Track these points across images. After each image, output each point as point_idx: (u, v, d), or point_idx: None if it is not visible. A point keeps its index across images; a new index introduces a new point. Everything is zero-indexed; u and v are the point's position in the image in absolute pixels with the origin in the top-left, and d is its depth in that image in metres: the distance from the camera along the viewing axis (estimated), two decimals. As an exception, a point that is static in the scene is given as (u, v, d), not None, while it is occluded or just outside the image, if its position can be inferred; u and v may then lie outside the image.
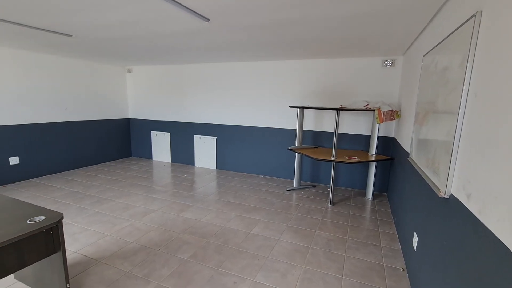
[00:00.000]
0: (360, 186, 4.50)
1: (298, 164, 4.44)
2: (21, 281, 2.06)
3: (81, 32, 3.10)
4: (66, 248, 2.53)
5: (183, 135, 5.89)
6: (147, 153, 6.41)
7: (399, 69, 4.01)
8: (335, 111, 3.67)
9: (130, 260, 2.37)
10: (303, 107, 4.12)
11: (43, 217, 1.66)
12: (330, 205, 3.77)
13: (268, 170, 5.17)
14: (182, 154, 5.97)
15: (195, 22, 2.56)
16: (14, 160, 4.38)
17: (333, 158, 3.65)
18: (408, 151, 2.69)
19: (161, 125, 6.10)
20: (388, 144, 4.22)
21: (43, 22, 2.74)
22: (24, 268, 1.86)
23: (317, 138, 4.72)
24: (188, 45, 3.67)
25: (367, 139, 4.31)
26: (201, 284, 2.08)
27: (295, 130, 4.54)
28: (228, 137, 5.41)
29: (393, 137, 4.14)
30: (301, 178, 4.69)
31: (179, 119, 5.87)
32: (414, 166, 2.27)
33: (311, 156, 3.77)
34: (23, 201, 1.91)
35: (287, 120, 4.85)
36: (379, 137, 4.00)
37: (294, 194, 4.20)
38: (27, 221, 1.61)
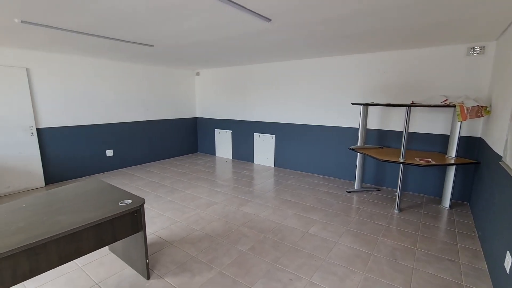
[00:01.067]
0: (433, 192, 3.98)
1: (360, 165, 4.18)
2: (113, 253, 2.50)
3: (160, 42, 3.54)
4: (146, 229, 2.95)
5: (243, 133, 6.16)
6: (211, 150, 6.93)
7: (490, 58, 3.39)
8: (405, 108, 3.32)
9: (196, 246, 2.63)
10: (367, 104, 3.85)
11: (130, 201, 1.98)
12: (396, 211, 3.45)
13: (326, 170, 5.01)
14: (243, 151, 6.25)
15: (258, 23, 2.66)
16: (109, 153, 5.29)
17: (401, 160, 3.32)
18: (501, 154, 2.27)
19: (224, 124, 6.50)
20: (472, 146, 3.62)
21: (130, 36, 3.23)
22: (115, 243, 2.25)
23: (382, 138, 4.35)
24: (250, 46, 3.82)
25: (444, 139, 3.79)
26: (259, 276, 2.17)
27: (357, 128, 4.28)
28: (287, 135, 5.44)
29: (479, 137, 3.54)
30: (363, 180, 4.41)
31: (240, 118, 6.16)
32: (510, 172, 1.91)
33: (376, 156, 3.50)
34: (116, 186, 2.31)
35: (348, 118, 4.60)
36: (460, 137, 3.47)
37: (355, 197, 3.98)
38: (119, 203, 1.94)
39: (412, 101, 3.81)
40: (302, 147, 5.26)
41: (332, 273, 2.23)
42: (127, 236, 1.98)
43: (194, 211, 3.45)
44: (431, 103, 3.43)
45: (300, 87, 5.10)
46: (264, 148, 5.83)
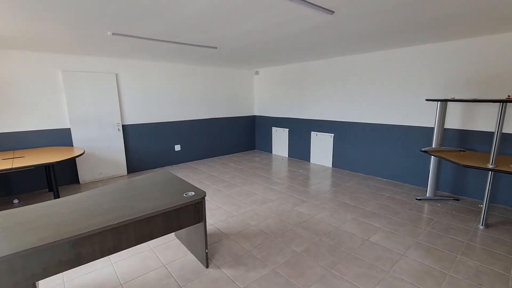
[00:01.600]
0: (537, 208, 3.23)
1: (434, 170, 3.66)
2: (178, 239, 2.75)
3: (224, 44, 3.73)
4: (206, 220, 3.16)
5: (300, 131, 6.06)
6: (268, 147, 7.02)
7: None
8: (498, 104, 2.75)
9: (251, 241, 2.70)
10: (446, 100, 3.34)
11: (193, 193, 2.15)
12: (482, 226, 2.92)
13: (391, 174, 4.55)
14: (299, 149, 6.16)
15: (320, 17, 2.56)
16: (177, 148, 5.86)
17: (490, 166, 2.79)
18: None
19: (281, 122, 6.50)
20: None
21: (196, 39, 3.48)
22: (180, 230, 2.47)
23: (463, 139, 3.73)
24: (310, 42, 3.72)
25: (556, 143, 3.03)
26: (313, 281, 2.11)
27: (431, 128, 3.76)
28: (347, 134, 5.13)
29: None
30: (437, 187, 3.86)
31: (297, 116, 6.07)
32: None
33: (455, 161, 3.02)
34: (181, 179, 2.53)
35: (419, 117, 4.08)
36: None
37: (427, 205, 3.52)
38: (183, 194, 2.12)
39: (508, 96, 3.15)
40: (364, 147, 4.89)
41: (396, 288, 2.02)
42: (189, 225, 2.16)
43: (250, 206, 3.55)
44: (537, 98, 2.78)
45: (361, 83, 4.73)
46: (321, 147, 5.63)
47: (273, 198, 3.82)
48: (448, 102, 3.71)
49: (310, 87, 5.67)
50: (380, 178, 4.67)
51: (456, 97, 3.65)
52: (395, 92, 4.32)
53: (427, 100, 3.49)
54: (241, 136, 7.08)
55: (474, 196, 3.69)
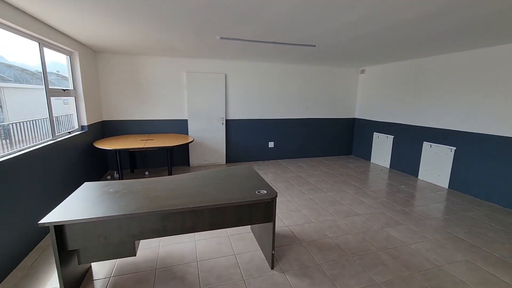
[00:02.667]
0: None
1: None
2: (252, 233, 2.87)
3: (322, 41, 3.57)
4: (282, 221, 3.15)
5: (409, 140, 5.12)
6: (366, 154, 6.31)
7: None
8: None
9: (323, 254, 2.50)
10: None
11: (265, 191, 2.17)
12: None
13: (550, 213, 3.20)
14: (404, 161, 5.23)
15: None
16: (271, 144, 6.11)
17: None
18: None
19: (385, 127, 5.69)
20: None
21: (292, 38, 3.46)
22: (255, 225, 2.55)
23: None
24: (425, 32, 3.05)
25: None
26: (388, 321, 1.76)
27: None
28: (475, 148, 3.96)
29: None
30: None
31: (406, 122, 5.16)
32: None
33: None
34: (259, 175, 2.60)
35: None
36: None
37: None
38: (256, 191, 2.18)
39: None
40: (501, 168, 3.64)
41: None
42: (259, 223, 2.20)
43: (331, 216, 3.29)
44: None
45: (498, 82, 3.50)
46: (435, 162, 4.57)
47: (360, 212, 3.41)
48: None
49: (426, 88, 4.68)
50: (526, 216, 3.38)
51: None
52: None
53: None
54: (336, 139, 6.65)
55: None
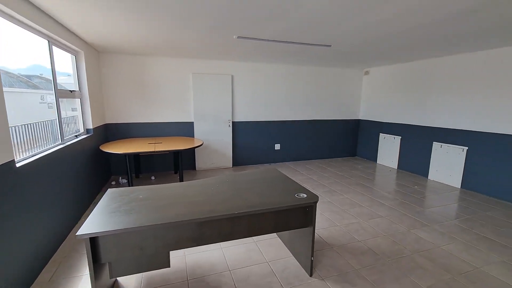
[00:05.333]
0: None
1: None
2: (279, 238, 2.75)
3: (339, 40, 3.52)
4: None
5: (417, 140, 5.14)
6: (372, 155, 6.31)
7: None
8: None
9: (358, 258, 2.41)
10: None
11: (305, 195, 2.07)
12: None
13: None
14: (413, 161, 5.25)
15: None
16: (277, 147, 6.01)
17: None
18: None
19: (392, 128, 5.71)
20: None
21: (310, 38, 3.40)
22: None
23: None
24: (440, 35, 3.05)
25: None
26: (445, 328, 1.68)
27: None
28: (487, 148, 3.99)
29: None
30: None
31: (415, 122, 5.18)
32: None
33: None
34: (291, 179, 2.49)
35: None
36: None
37: None
38: (295, 195, 2.07)
39: None
40: (518, 169, 3.68)
41: None
42: (298, 228, 2.09)
43: (355, 219, 3.22)
44: None
45: (510, 82, 3.55)
46: (447, 162, 4.60)
47: (382, 214, 3.35)
48: None
49: (434, 88, 4.72)
50: (544, 214, 3.41)
51: None
52: None
53: None
54: (342, 141, 6.63)
55: None
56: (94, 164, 3.89)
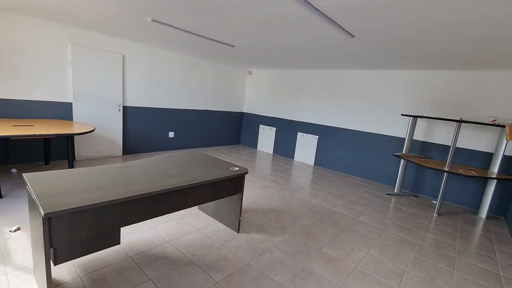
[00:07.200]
0: (470, 204, 4.30)
1: (402, 171, 4.56)
2: (202, 211, 3.10)
3: (241, 45, 4.14)
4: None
5: (287, 131, 6.69)
6: (253, 143, 7.51)
7: (542, 86, 3.68)
8: (455, 123, 3.69)
9: (266, 215, 3.18)
10: (417, 116, 4.24)
11: (238, 168, 2.56)
12: (435, 215, 3.82)
13: (365, 173, 5.42)
14: (284, 147, 6.78)
15: (340, 38, 3.17)
16: (171, 134, 6.02)
17: (446, 168, 3.70)
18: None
19: (269, 121, 7.06)
20: (515, 165, 3.91)
21: (220, 37, 3.85)
22: (207, 204, 2.84)
23: (425, 149, 4.71)
24: (320, 55, 4.34)
25: (487, 156, 4.10)
26: (324, 243, 2.68)
27: (400, 138, 4.67)
28: (330, 137, 5.90)
29: (523, 158, 3.83)
30: (402, 186, 4.78)
31: (286, 117, 6.69)
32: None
33: (421, 163, 3.90)
34: (215, 157, 2.90)
35: (391, 128, 4.99)
36: (504, 156, 3.79)
37: (394, 199, 4.38)
38: (230, 168, 2.53)
39: (461, 118, 4.16)
40: (344, 149, 5.70)
41: (386, 250, 2.70)
42: (231, 195, 2.56)
43: (253, 190, 4.01)
44: (481, 121, 3.78)
45: (348, 94, 5.54)
46: (306, 147, 6.32)
47: (271, 185, 4.34)
48: (418, 118, 4.64)
49: (302, 92, 6.34)
50: (356, 176, 5.51)
51: (424, 115, 4.61)
52: (375, 105, 5.20)
53: (402, 115, 4.36)
54: (228, 130, 7.46)
55: (428, 194, 4.68)
56: None
